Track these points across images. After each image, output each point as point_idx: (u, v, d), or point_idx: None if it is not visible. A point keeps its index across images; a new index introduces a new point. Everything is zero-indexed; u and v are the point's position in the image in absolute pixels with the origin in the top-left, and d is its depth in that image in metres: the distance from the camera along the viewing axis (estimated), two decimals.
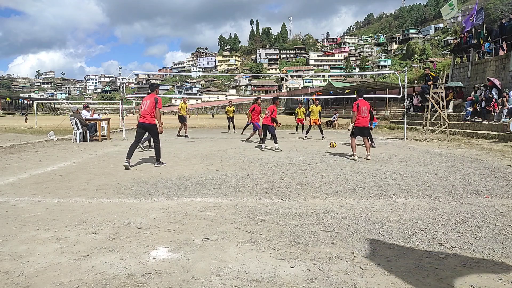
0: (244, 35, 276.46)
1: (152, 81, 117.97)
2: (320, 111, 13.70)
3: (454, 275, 2.30)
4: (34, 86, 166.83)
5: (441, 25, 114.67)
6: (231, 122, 17.23)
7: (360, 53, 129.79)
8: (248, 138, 12.53)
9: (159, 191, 4.66)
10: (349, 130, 8.11)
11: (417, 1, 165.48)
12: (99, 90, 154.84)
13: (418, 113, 18.70)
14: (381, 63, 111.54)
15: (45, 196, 4.43)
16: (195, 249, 2.72)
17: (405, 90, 13.47)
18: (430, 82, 14.34)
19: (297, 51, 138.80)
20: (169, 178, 5.58)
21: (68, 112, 44.97)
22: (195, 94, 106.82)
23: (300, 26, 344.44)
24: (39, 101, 61.10)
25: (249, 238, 2.95)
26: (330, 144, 10.41)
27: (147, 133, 7.48)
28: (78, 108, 13.26)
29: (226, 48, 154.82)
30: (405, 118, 13.64)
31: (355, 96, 8.15)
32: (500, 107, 12.63)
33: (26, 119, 33.51)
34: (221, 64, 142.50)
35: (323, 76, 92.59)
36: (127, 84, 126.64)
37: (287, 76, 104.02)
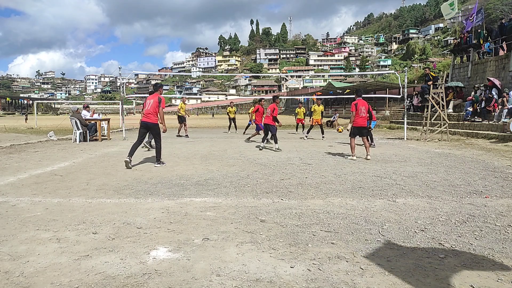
0: (244, 35, 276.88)
1: (152, 81, 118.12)
2: (323, 110, 13.75)
3: (454, 275, 2.30)
4: (34, 86, 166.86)
5: (441, 25, 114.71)
6: (232, 123, 17.23)
7: (360, 53, 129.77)
8: (249, 138, 12.53)
9: (159, 191, 4.66)
10: (347, 130, 8.12)
11: (417, 1, 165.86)
12: (99, 90, 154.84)
13: (418, 113, 18.70)
14: (381, 63, 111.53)
15: (45, 196, 4.43)
16: (195, 249, 2.72)
17: (405, 90, 13.47)
18: (430, 82, 14.35)
19: (297, 51, 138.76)
20: (169, 178, 5.58)
21: (68, 112, 44.97)
22: (195, 94, 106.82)
23: (300, 26, 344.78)
24: (39, 101, 61.19)
25: (249, 238, 2.95)
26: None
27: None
28: (78, 108, 13.26)
29: (226, 48, 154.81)
30: (405, 118, 13.64)
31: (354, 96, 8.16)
32: (500, 107, 12.63)
33: (26, 119, 33.51)
34: (221, 64, 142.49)
35: (323, 76, 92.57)
36: (127, 84, 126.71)
37: (287, 76, 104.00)
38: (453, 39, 36.63)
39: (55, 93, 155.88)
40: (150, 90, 7.61)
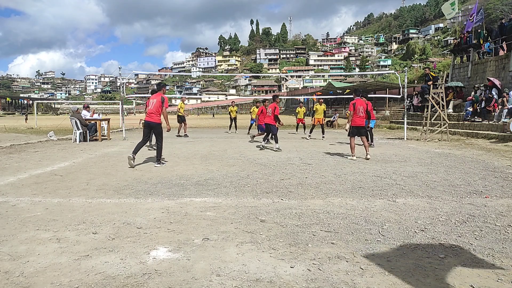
0: (244, 35, 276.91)
1: (152, 81, 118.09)
2: (325, 109, 13.78)
3: (454, 275, 2.30)
4: (34, 86, 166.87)
5: (441, 25, 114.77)
6: (233, 122, 17.25)
7: (360, 53, 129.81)
8: (254, 137, 12.50)
9: (159, 191, 4.66)
10: (346, 130, 8.12)
11: (417, 1, 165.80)
12: (99, 90, 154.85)
13: (418, 113, 18.71)
14: (381, 63, 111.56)
15: (45, 196, 4.43)
16: (195, 249, 2.72)
17: (405, 90, 13.47)
18: (430, 82, 14.35)
19: (297, 51, 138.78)
20: (169, 178, 5.58)
21: (68, 112, 44.97)
22: (195, 94, 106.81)
23: (300, 26, 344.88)
24: (39, 101, 61.21)
25: (249, 238, 2.95)
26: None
27: None
28: (78, 108, 13.26)
29: (226, 48, 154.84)
30: (405, 118, 13.64)
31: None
32: (500, 107, 12.63)
33: (26, 119, 33.52)
34: (221, 64, 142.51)
35: (323, 76, 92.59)
36: (127, 84, 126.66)
37: (287, 76, 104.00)
38: (453, 39, 36.61)
39: (55, 93, 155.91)
40: (153, 89, 7.64)
